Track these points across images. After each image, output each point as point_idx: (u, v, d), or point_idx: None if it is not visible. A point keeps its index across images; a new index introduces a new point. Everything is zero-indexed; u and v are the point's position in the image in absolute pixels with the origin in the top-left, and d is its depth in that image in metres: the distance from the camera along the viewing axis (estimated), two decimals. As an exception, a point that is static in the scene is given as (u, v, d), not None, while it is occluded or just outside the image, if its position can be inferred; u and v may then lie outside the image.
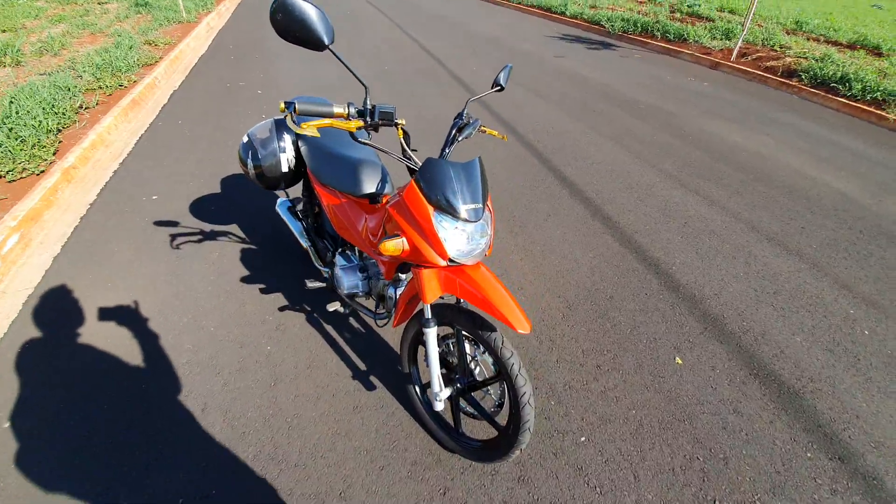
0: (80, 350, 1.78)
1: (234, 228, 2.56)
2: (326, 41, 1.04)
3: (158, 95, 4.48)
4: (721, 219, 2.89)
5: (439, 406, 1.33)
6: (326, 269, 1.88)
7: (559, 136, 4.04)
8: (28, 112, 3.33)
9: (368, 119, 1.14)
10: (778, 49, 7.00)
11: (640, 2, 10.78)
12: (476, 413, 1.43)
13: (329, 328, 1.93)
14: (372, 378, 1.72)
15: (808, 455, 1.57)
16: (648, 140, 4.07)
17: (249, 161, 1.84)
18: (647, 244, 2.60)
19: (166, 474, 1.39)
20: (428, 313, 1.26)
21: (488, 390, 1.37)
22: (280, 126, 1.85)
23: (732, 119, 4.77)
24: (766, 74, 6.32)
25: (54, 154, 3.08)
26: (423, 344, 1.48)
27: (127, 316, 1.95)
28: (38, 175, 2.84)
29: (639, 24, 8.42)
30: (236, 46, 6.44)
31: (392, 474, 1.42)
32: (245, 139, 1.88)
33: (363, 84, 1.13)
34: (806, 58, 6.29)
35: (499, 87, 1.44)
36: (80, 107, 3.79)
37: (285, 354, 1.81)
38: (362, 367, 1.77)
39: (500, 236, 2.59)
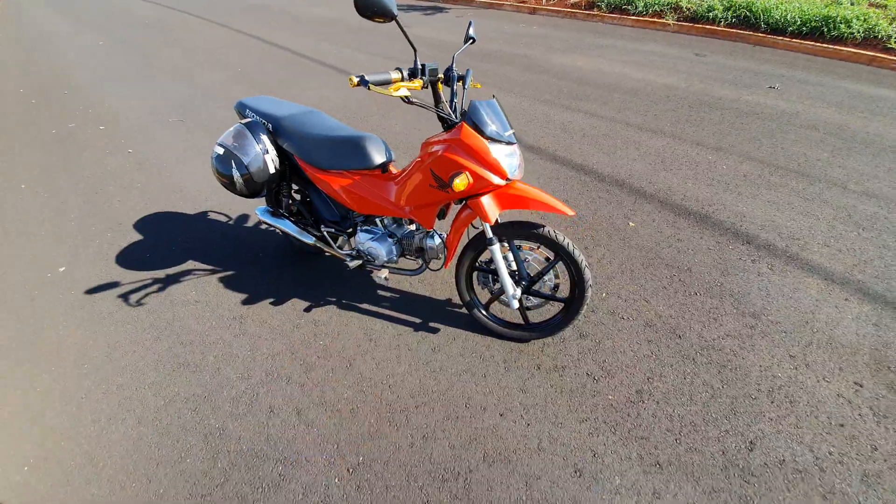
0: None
1: (190, 264, 2.32)
2: (395, 11, 1.20)
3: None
4: (604, 124, 3.64)
5: (515, 304, 1.64)
6: (347, 253, 1.96)
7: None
8: None
9: (423, 79, 1.33)
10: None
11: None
12: (538, 302, 1.77)
13: (365, 306, 2.04)
14: (431, 324, 1.93)
15: (731, 247, 2.29)
16: (523, 81, 4.71)
17: (235, 171, 1.79)
18: (567, 156, 3.18)
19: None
20: (489, 233, 1.54)
21: (544, 280, 1.71)
22: (254, 128, 1.83)
23: (570, 50, 5.72)
24: (573, 10, 7.56)
25: None
26: (488, 262, 1.76)
27: (164, 405, 1.78)
28: None
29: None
30: (29, 78, 5.20)
31: (494, 375, 1.71)
32: (219, 150, 1.80)
33: (413, 47, 1.28)
34: (597, -10, 7.68)
35: (472, 40, 1.60)
36: None
37: (343, 341, 1.88)
38: (416, 319, 1.96)
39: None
